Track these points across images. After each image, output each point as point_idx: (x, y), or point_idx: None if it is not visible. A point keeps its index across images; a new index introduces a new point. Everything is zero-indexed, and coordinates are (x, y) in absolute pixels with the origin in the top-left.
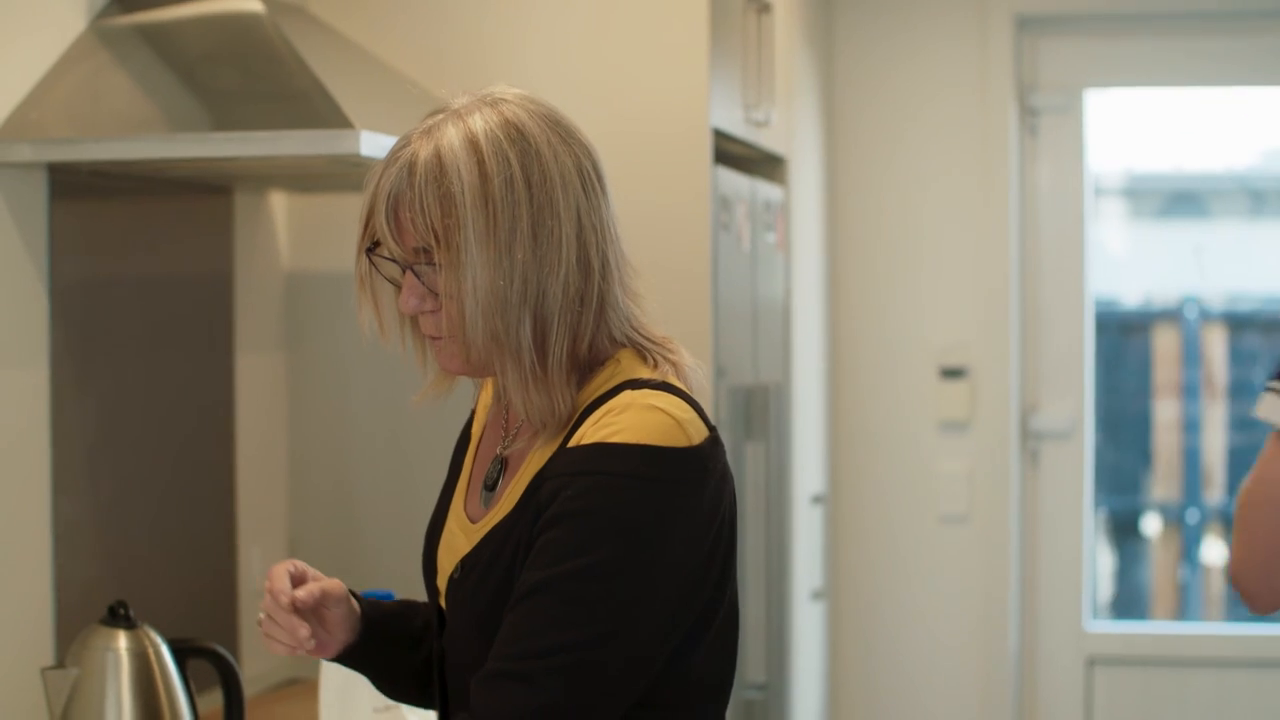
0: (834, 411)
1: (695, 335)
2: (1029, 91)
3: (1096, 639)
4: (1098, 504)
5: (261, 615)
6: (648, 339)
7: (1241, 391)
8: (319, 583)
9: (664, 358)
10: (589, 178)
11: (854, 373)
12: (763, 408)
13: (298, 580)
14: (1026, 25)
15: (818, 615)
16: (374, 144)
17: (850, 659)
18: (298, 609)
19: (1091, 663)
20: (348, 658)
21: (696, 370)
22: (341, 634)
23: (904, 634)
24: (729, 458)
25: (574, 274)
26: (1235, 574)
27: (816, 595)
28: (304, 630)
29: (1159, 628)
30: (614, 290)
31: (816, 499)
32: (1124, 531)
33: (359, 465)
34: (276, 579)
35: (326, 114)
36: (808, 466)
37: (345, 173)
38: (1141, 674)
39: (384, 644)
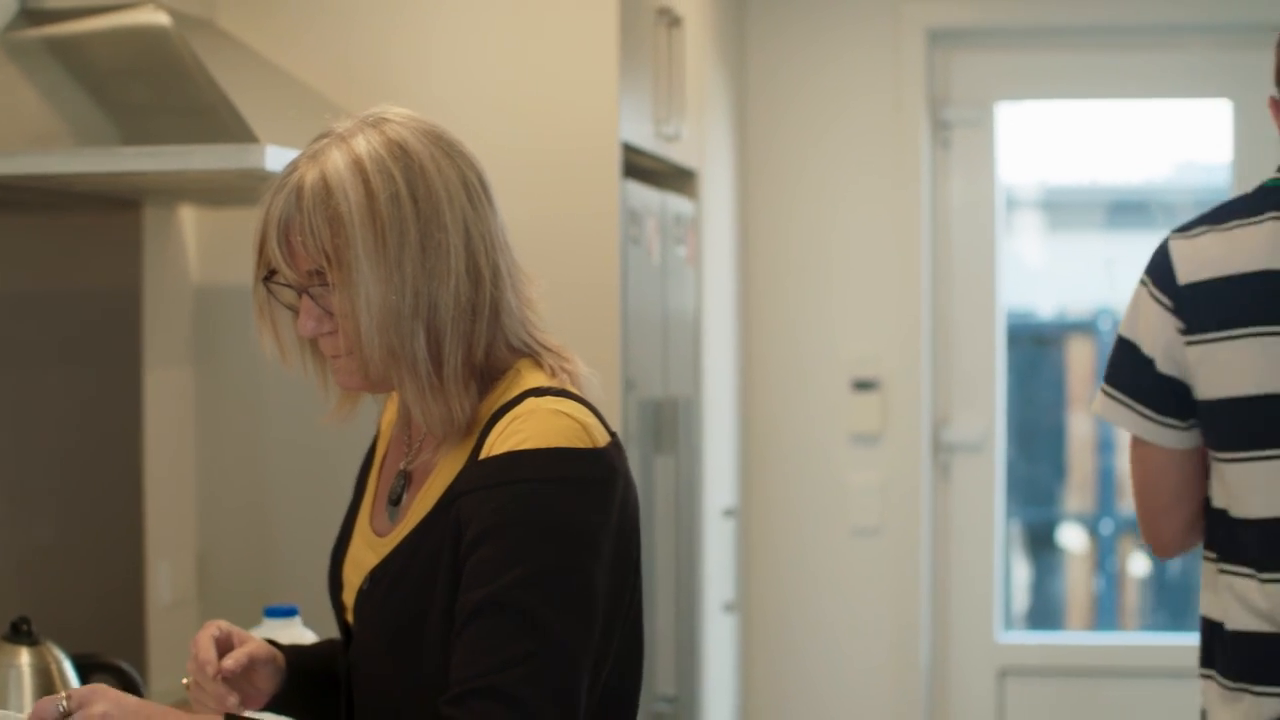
0: (746, 424)
1: (603, 348)
2: (941, 105)
3: (1008, 650)
4: (1014, 516)
5: (187, 680)
6: (544, 347)
7: None
8: (245, 648)
9: (561, 366)
10: (474, 189)
11: (766, 385)
12: (672, 421)
13: (223, 644)
14: (939, 39)
15: (729, 628)
16: (279, 158)
17: (762, 671)
18: (225, 677)
19: (1003, 674)
20: (274, 706)
21: (592, 379)
22: (268, 687)
23: (816, 646)
24: (639, 471)
25: (464, 283)
26: (1139, 527)
27: (728, 608)
28: (233, 698)
29: (1070, 638)
30: (507, 297)
31: (728, 512)
32: (1040, 543)
33: (269, 479)
34: (202, 649)
35: (233, 128)
36: (719, 479)
37: (253, 187)
38: (1053, 684)
39: (309, 688)
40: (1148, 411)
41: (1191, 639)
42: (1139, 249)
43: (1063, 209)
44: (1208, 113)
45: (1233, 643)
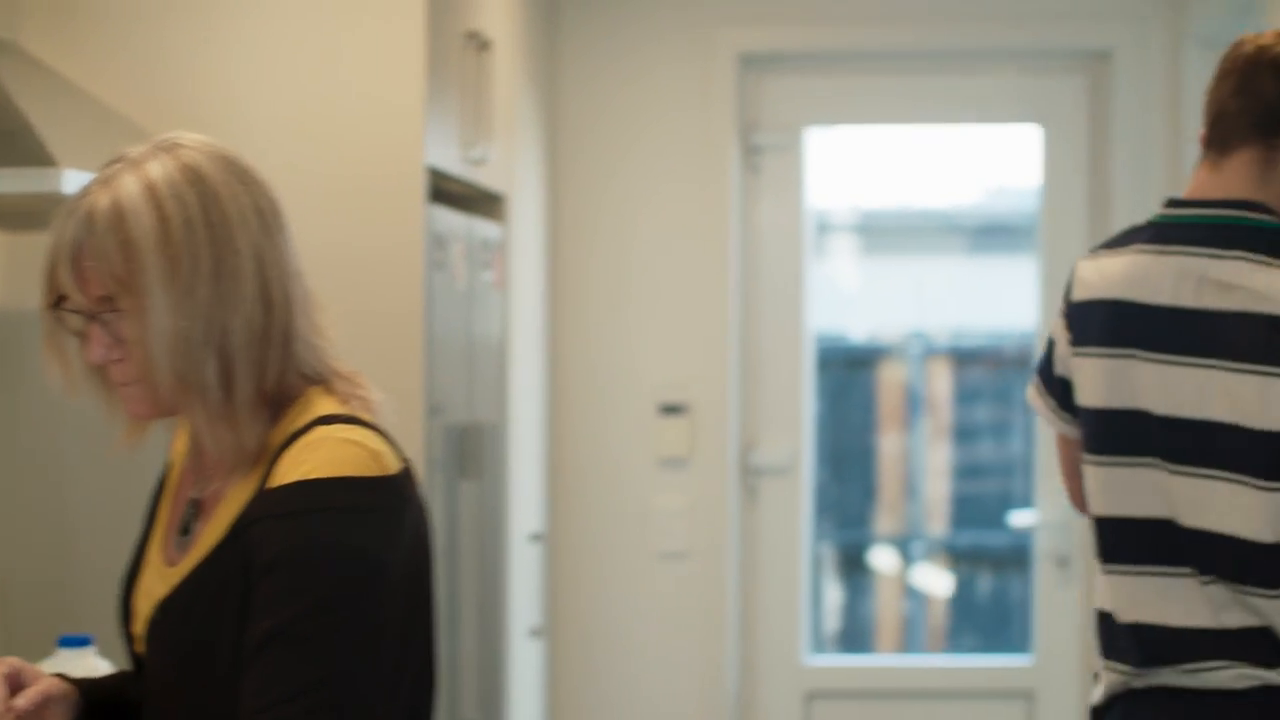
0: (553, 449)
1: (406, 374)
2: (751, 129)
3: (814, 673)
4: (826, 538)
5: None
6: (336, 373)
7: (965, 425)
8: (38, 686)
9: (353, 393)
10: (267, 216)
11: (574, 410)
12: (478, 446)
13: (14, 682)
14: (750, 63)
15: (536, 653)
16: (77, 182)
17: (570, 696)
18: (18, 716)
19: (810, 697)
20: None
21: (385, 405)
22: None
23: (624, 670)
24: (443, 497)
25: (256, 310)
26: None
27: (535, 633)
28: None
29: (875, 660)
30: (298, 324)
31: (535, 537)
32: (851, 565)
33: (70, 506)
34: None
35: (31, 152)
36: (525, 504)
37: (52, 211)
38: (859, 707)
39: None
40: (1051, 403)
41: (996, 660)
42: (950, 272)
43: (876, 233)
44: (1018, 137)
45: (1096, 623)
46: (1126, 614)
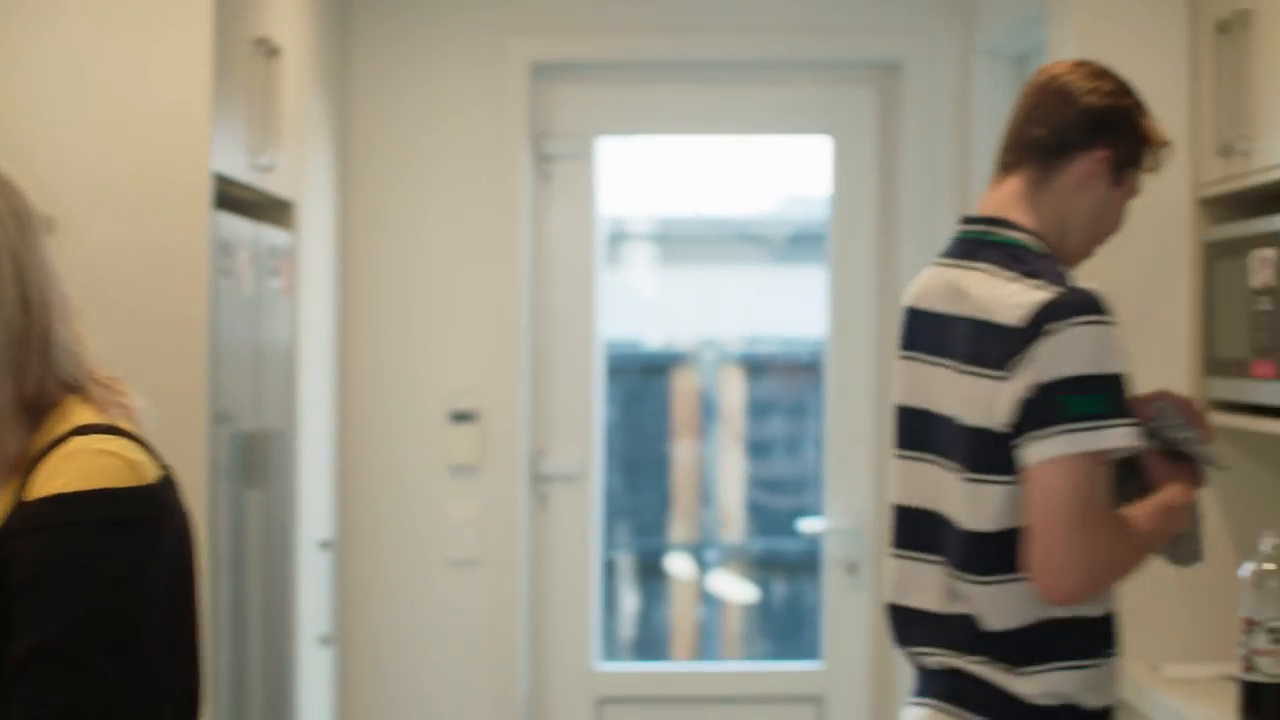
0: (343, 456)
1: (190, 381)
2: (543, 137)
3: (605, 679)
4: (622, 545)
5: None
6: (95, 380)
7: (757, 432)
8: None
9: (112, 400)
10: (23, 219)
11: (364, 417)
12: (264, 454)
13: None
14: (541, 72)
15: (326, 660)
16: None
17: (360, 703)
18: None
19: (601, 702)
20: None
21: (148, 412)
22: None
23: (415, 677)
24: (228, 504)
25: (15, 313)
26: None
27: (324, 641)
28: None
29: (666, 666)
30: (57, 329)
31: (324, 544)
32: (648, 572)
33: None
34: None
35: None
36: (315, 511)
37: None
38: (650, 712)
39: None
40: None
41: (787, 666)
42: (747, 281)
43: (674, 241)
44: (813, 147)
45: None
46: (887, 595)
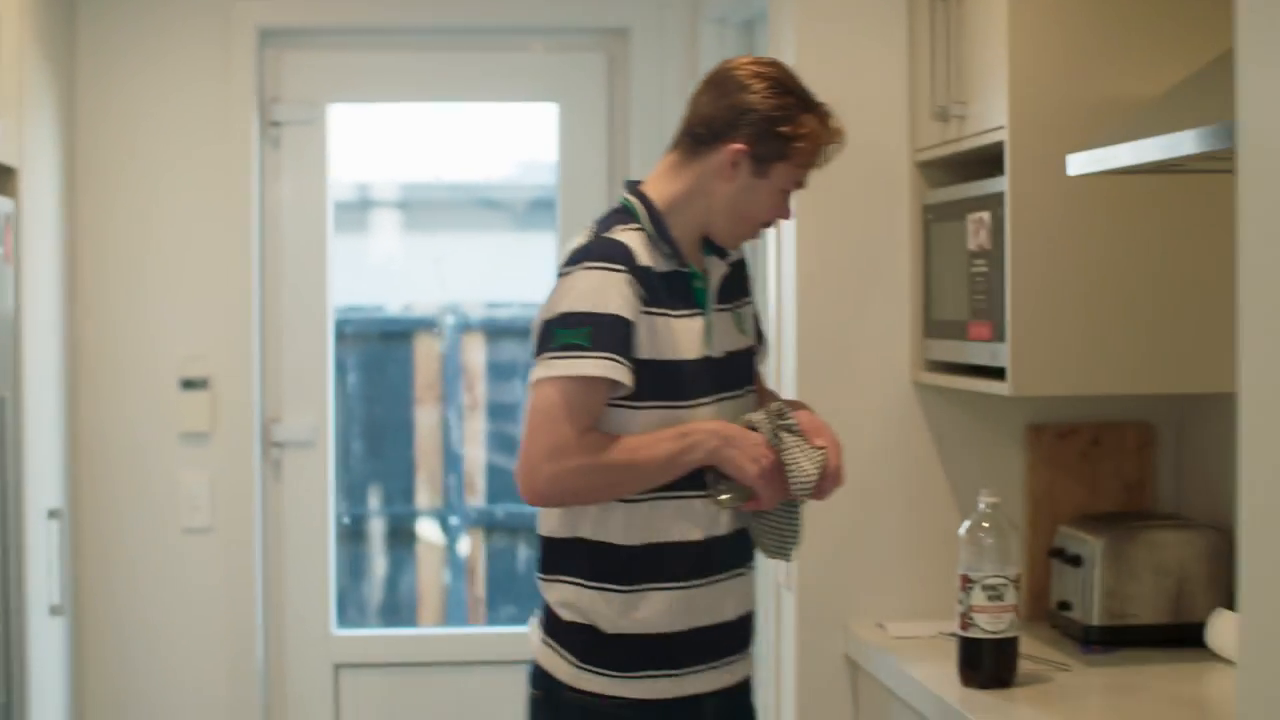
0: (73, 424)
1: None
2: (272, 104)
3: (343, 644)
4: (368, 511)
5: None
6: None
7: (499, 398)
8: None
9: None
10: None
11: (94, 385)
12: None
13: None
14: (270, 37)
15: (58, 631)
16: None
17: (94, 674)
18: None
19: (339, 668)
20: None
21: None
22: None
23: (151, 647)
24: None
25: None
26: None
27: (55, 611)
28: None
29: (403, 631)
30: None
31: (53, 513)
32: (395, 537)
33: None
34: None
35: None
36: (43, 480)
37: None
38: (386, 676)
39: None
40: None
41: (522, 630)
42: (486, 246)
43: (416, 208)
44: (548, 113)
45: None
46: None
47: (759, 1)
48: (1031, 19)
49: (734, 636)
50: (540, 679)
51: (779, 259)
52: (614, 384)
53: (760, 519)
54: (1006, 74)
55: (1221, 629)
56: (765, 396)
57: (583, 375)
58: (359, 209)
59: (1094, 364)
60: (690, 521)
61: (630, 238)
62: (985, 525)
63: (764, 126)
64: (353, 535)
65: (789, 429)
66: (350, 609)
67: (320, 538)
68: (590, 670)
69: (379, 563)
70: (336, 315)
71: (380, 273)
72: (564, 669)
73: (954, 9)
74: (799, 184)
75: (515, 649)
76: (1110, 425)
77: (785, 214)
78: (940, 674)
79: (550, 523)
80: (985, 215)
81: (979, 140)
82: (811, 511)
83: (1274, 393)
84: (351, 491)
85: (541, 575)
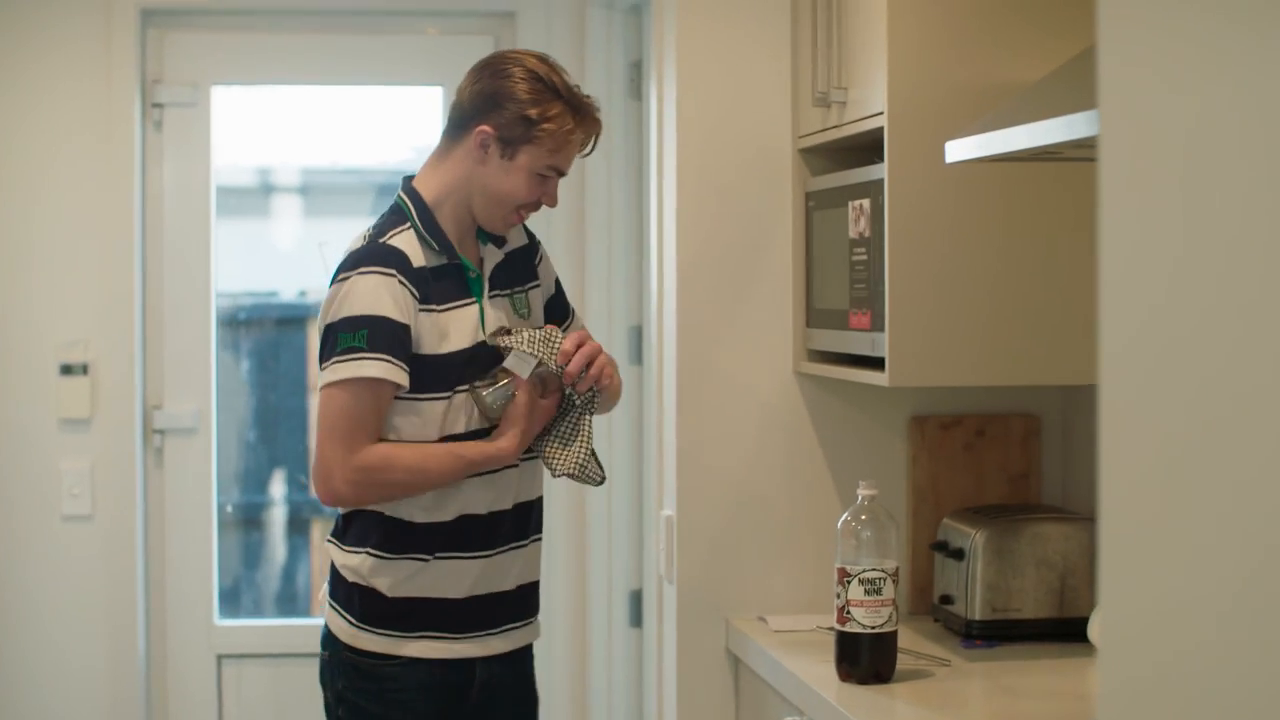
0: None
1: None
2: (154, 85)
3: (226, 633)
4: (262, 500)
5: None
6: None
7: None
8: None
9: None
10: None
11: None
12: None
13: None
14: (151, 17)
15: None
16: None
17: None
18: None
19: (222, 658)
20: None
21: None
22: None
23: (29, 638)
24: None
25: None
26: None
27: None
28: None
29: (287, 621)
30: None
31: None
32: (290, 526)
33: None
34: None
35: None
36: None
37: None
38: (269, 667)
39: None
40: None
41: None
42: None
43: (311, 193)
44: (430, 98)
45: None
46: None
47: None
48: (911, 3)
49: (514, 605)
50: (326, 641)
51: (659, 247)
52: (398, 387)
53: (544, 437)
54: (885, 59)
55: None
56: None
57: (363, 376)
58: (257, 194)
59: (975, 355)
60: (480, 496)
61: (402, 241)
62: (863, 517)
63: (511, 109)
64: (245, 524)
65: (509, 332)
66: (244, 599)
67: (203, 526)
68: (367, 630)
69: (272, 552)
70: (230, 302)
71: (275, 259)
72: (344, 629)
73: None
74: (557, 170)
75: None
76: (995, 417)
77: (545, 199)
78: (818, 669)
79: None
80: (865, 203)
81: (859, 126)
82: (692, 504)
83: (1133, 383)
84: (246, 480)
85: (331, 539)
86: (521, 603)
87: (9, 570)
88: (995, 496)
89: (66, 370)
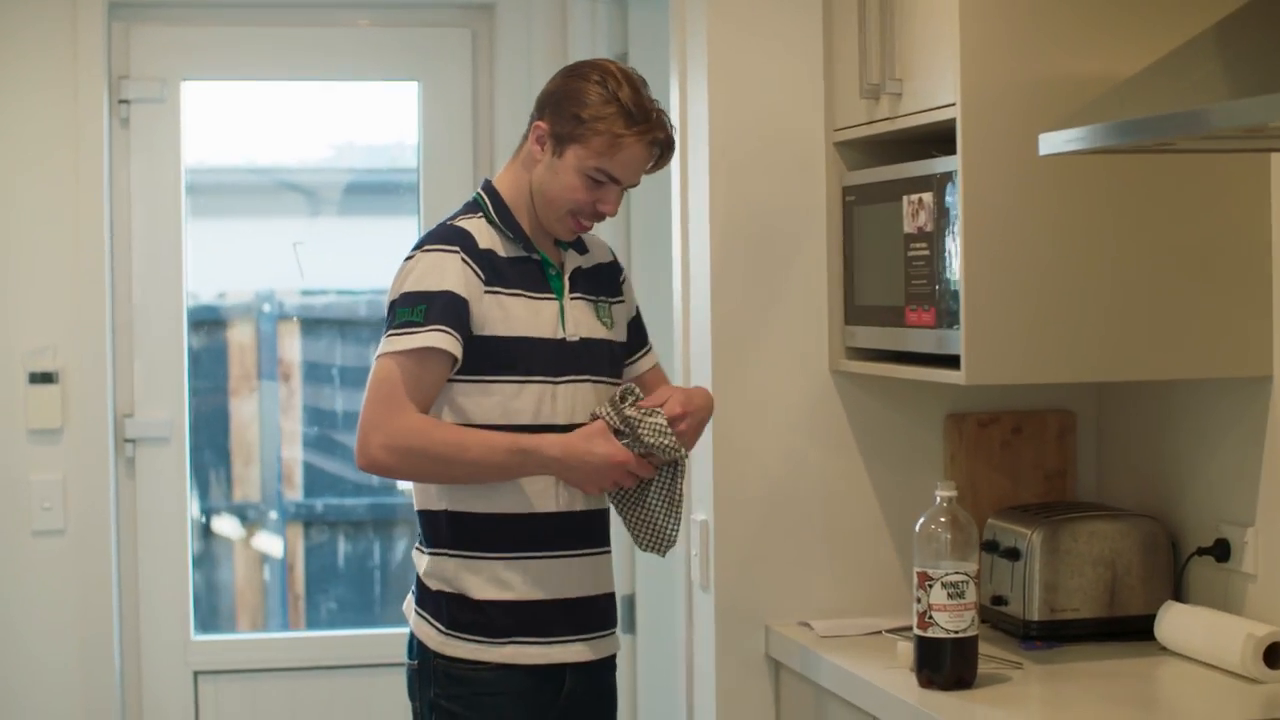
0: None
1: None
2: (121, 81)
3: (202, 649)
4: (220, 508)
5: None
6: None
7: (317, 389)
8: None
9: None
10: None
11: None
12: None
13: None
14: (118, 10)
15: None
16: None
17: None
18: None
19: (198, 674)
20: None
21: None
22: None
23: (3, 653)
24: None
25: None
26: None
27: None
28: None
29: (263, 636)
30: None
31: None
32: (219, 535)
33: None
34: None
35: None
36: None
37: None
38: (247, 682)
39: None
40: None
41: (384, 631)
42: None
43: (245, 191)
44: (405, 93)
45: None
46: None
47: None
48: None
49: (598, 613)
50: (413, 649)
51: (684, 244)
52: (450, 357)
53: (632, 509)
54: (958, 50)
55: (1173, 622)
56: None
57: (413, 348)
58: (229, 193)
59: (1042, 351)
60: (547, 493)
61: (471, 224)
62: (942, 520)
63: (565, 107)
64: (221, 535)
65: (627, 408)
66: (221, 613)
67: (177, 538)
68: (457, 636)
69: (250, 563)
70: (196, 303)
71: (248, 260)
72: (433, 637)
73: None
74: (608, 175)
75: (378, 652)
76: (1031, 413)
77: (600, 205)
78: (890, 674)
79: (419, 497)
80: (926, 196)
81: (922, 119)
82: (728, 508)
83: None
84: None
85: (416, 547)
86: (604, 611)
87: None
88: (1032, 495)
89: (35, 378)
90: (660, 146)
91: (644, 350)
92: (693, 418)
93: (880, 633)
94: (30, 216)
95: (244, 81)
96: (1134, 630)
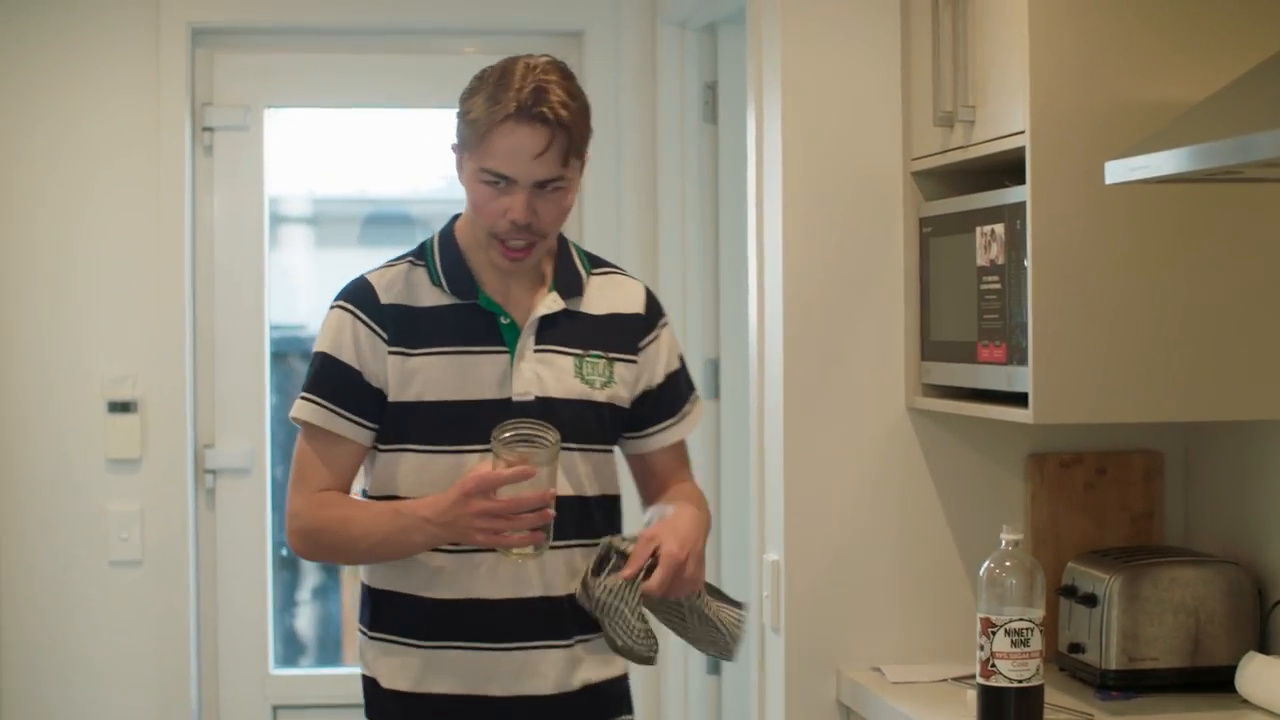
0: None
1: None
2: (204, 108)
3: (282, 683)
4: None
5: None
6: None
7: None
8: None
9: None
10: None
11: (15, 408)
12: None
13: None
14: (202, 37)
15: None
16: None
17: (18, 711)
18: None
19: (276, 709)
20: None
21: None
22: None
23: (78, 685)
24: None
25: None
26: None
27: None
28: None
29: (343, 670)
30: None
31: None
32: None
33: None
34: None
35: None
36: None
37: None
38: (323, 717)
39: None
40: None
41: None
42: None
43: (332, 222)
44: None
45: None
46: None
47: (723, 4)
48: (1051, 18)
49: (545, 712)
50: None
51: (760, 278)
52: (322, 431)
53: (610, 616)
54: (1027, 76)
55: (1255, 674)
56: (667, 486)
57: (295, 418)
58: (311, 223)
59: (1117, 389)
60: (494, 579)
61: (384, 274)
62: (1008, 564)
63: (461, 115)
64: (303, 568)
65: (604, 579)
66: (302, 647)
67: (257, 571)
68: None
69: (330, 598)
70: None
71: (300, 290)
72: None
73: (960, 8)
74: (498, 174)
75: None
76: (1116, 454)
77: (509, 214)
78: None
79: (365, 574)
80: (998, 228)
81: (992, 147)
82: (800, 548)
83: None
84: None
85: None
86: (564, 711)
87: (56, 618)
88: (1117, 538)
89: (114, 408)
90: (537, 120)
91: (662, 424)
92: (694, 546)
93: (947, 680)
94: (112, 244)
95: (326, 110)
96: (1215, 682)
